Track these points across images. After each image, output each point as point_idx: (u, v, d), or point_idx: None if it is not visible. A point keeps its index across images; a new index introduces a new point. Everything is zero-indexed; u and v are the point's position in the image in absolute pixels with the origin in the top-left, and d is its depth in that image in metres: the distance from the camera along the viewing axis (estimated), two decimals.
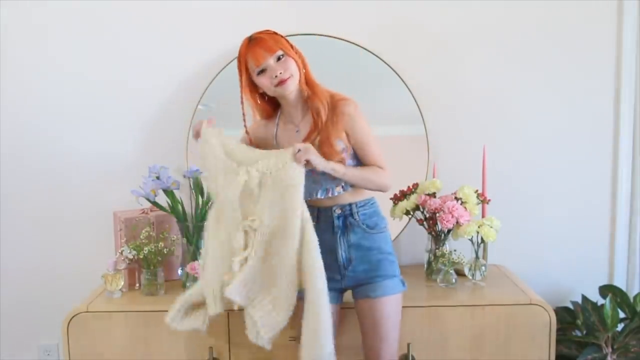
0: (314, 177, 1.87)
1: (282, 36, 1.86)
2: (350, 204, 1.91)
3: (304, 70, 1.86)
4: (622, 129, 2.53)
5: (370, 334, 1.92)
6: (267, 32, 1.85)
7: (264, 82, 1.83)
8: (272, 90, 1.84)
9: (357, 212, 1.91)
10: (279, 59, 1.81)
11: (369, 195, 1.95)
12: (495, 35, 2.50)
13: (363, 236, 1.91)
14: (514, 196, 2.55)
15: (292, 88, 1.84)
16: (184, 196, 2.36)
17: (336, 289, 1.95)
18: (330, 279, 1.90)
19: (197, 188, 2.30)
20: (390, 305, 1.91)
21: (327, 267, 1.88)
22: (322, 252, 1.88)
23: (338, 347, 1.95)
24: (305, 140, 1.84)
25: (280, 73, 1.80)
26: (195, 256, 2.27)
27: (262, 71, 1.82)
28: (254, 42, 1.82)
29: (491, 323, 2.11)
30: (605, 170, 2.57)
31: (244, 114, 1.92)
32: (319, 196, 1.89)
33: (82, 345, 2.12)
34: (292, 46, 1.86)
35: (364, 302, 1.92)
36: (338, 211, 1.91)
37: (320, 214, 1.93)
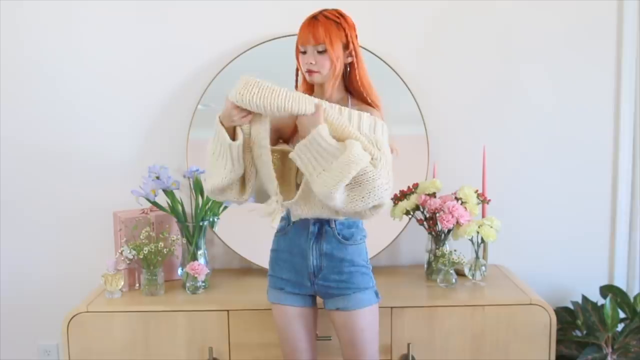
0: None
1: (345, 28, 1.79)
2: None
3: (338, 76, 1.81)
4: (622, 128, 2.53)
5: (349, 346, 1.89)
6: (333, 15, 1.79)
7: (301, 61, 1.82)
8: (304, 73, 1.82)
9: (335, 221, 1.85)
10: (319, 51, 1.78)
11: None
12: (495, 36, 2.50)
13: (337, 246, 1.85)
14: (514, 196, 2.55)
15: (316, 81, 1.81)
16: (184, 196, 2.36)
17: (306, 295, 1.90)
18: (299, 285, 1.88)
19: (197, 188, 2.30)
20: (365, 317, 1.86)
21: (298, 272, 1.87)
22: (295, 256, 1.87)
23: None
24: None
25: (312, 64, 1.78)
26: (195, 256, 2.27)
27: (303, 52, 1.80)
28: (311, 22, 1.78)
29: (491, 323, 2.11)
30: (606, 170, 2.57)
31: (296, 81, 1.92)
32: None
33: (82, 345, 2.11)
34: (347, 45, 1.80)
35: (336, 315, 1.88)
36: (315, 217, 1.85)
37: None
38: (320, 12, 1.81)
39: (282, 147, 1.81)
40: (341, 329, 1.88)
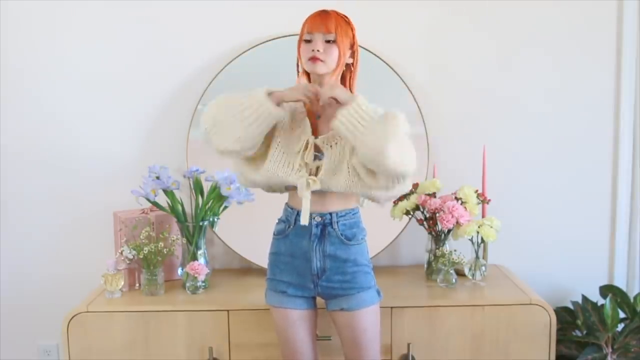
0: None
1: (352, 28, 1.83)
2: (330, 213, 1.85)
3: (340, 71, 1.84)
4: (622, 129, 2.53)
5: (351, 346, 1.89)
6: (342, 14, 1.83)
7: (303, 51, 1.81)
8: (304, 63, 1.81)
9: (337, 222, 1.85)
10: (328, 41, 1.78)
11: (352, 206, 1.89)
12: (495, 36, 2.50)
13: (340, 247, 1.85)
14: (514, 196, 2.55)
15: (318, 71, 1.79)
16: (184, 196, 2.37)
17: (308, 297, 1.90)
18: (302, 287, 1.87)
19: (197, 188, 2.30)
20: (367, 317, 1.86)
21: (300, 275, 1.86)
22: (297, 258, 1.86)
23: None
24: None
25: (319, 51, 1.77)
26: (195, 256, 2.27)
27: (308, 41, 1.80)
28: (322, 13, 1.80)
29: (491, 323, 2.11)
30: (606, 170, 2.57)
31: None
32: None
33: (82, 345, 2.11)
34: (352, 45, 1.83)
35: (339, 315, 1.87)
36: (317, 219, 1.84)
37: (298, 218, 1.86)
38: (327, 9, 1.83)
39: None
40: (344, 329, 1.88)
